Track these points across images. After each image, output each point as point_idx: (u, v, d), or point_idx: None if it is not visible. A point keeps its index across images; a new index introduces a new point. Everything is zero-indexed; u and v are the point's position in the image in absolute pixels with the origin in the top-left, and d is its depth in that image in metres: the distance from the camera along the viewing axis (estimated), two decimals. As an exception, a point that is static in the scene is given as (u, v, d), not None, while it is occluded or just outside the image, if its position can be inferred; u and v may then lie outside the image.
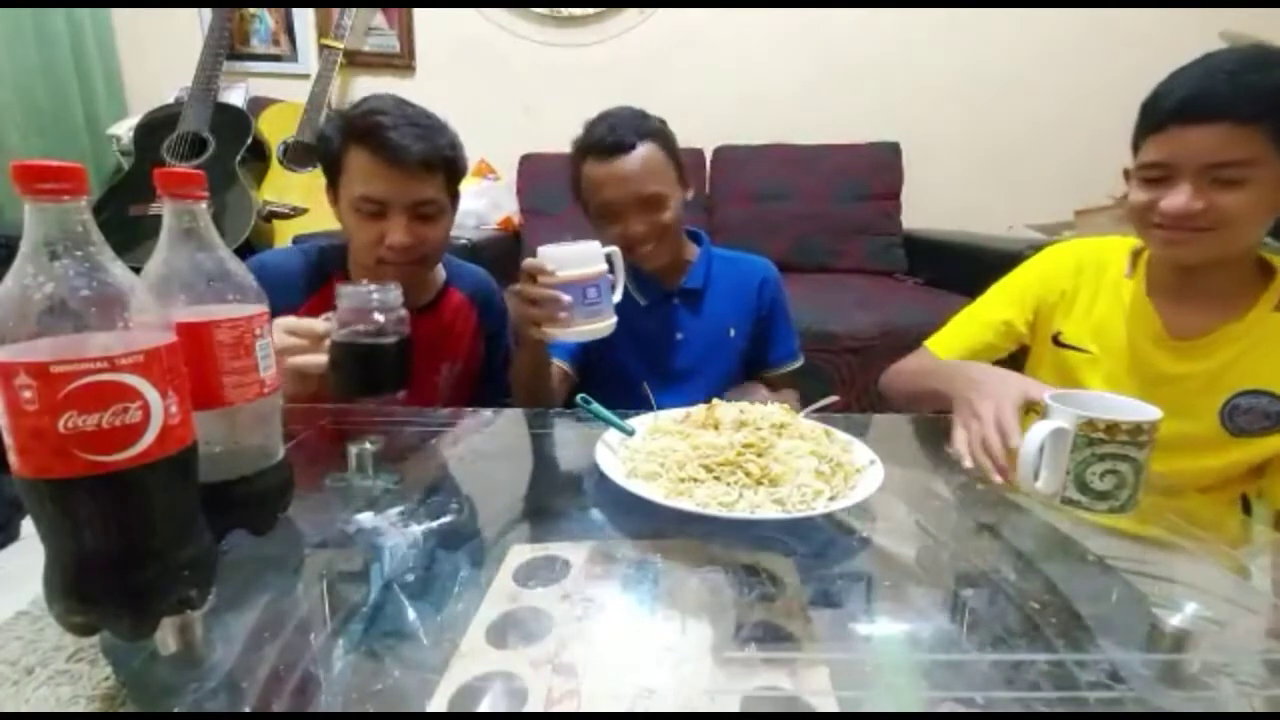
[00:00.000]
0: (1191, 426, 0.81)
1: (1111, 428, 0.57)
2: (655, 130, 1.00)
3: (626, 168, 0.96)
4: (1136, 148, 0.78)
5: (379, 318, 0.70)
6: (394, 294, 0.72)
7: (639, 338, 1.08)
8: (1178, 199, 0.72)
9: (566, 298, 0.76)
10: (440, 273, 1.07)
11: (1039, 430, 0.60)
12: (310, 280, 0.97)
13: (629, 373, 1.06)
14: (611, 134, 0.97)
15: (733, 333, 1.11)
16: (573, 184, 1.04)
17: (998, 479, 0.64)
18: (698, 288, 1.10)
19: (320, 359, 0.71)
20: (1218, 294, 0.79)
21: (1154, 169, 0.74)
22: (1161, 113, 0.73)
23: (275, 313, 0.83)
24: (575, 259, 0.78)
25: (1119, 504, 0.59)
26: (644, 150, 0.97)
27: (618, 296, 0.83)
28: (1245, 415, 0.78)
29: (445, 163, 0.90)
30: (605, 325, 0.80)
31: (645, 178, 0.97)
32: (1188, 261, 0.78)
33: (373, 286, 0.71)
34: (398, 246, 0.88)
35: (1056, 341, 0.92)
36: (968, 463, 0.67)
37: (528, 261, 0.79)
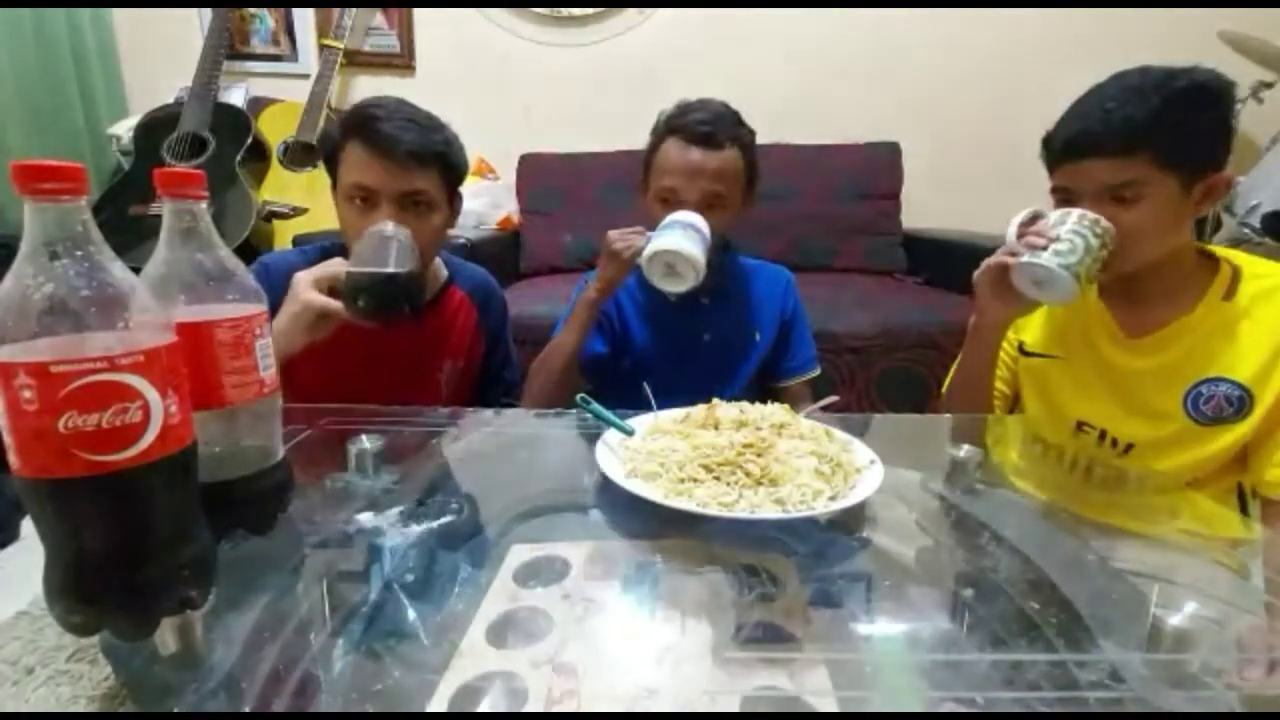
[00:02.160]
0: (1161, 421, 0.83)
1: (1081, 216, 0.76)
2: (746, 140, 1.00)
3: (707, 162, 0.96)
4: (1048, 172, 0.84)
5: (390, 253, 0.80)
6: (406, 233, 0.83)
7: (667, 336, 1.09)
8: None
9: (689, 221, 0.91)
10: (442, 271, 1.07)
11: (1028, 211, 0.82)
12: None
13: (654, 371, 1.06)
14: (706, 125, 0.96)
15: (758, 336, 1.11)
16: (646, 155, 1.04)
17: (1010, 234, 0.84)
18: (727, 288, 1.10)
19: (339, 267, 0.82)
20: (1165, 290, 0.82)
21: (1060, 193, 0.82)
22: (1053, 153, 0.81)
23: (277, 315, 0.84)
24: (694, 217, 0.92)
25: (1068, 264, 0.76)
26: (728, 153, 0.97)
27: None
28: (1208, 403, 0.80)
29: (437, 157, 0.91)
30: (700, 258, 0.88)
31: (717, 179, 0.97)
32: (1111, 276, 0.81)
33: (389, 226, 0.82)
34: None
35: (1023, 351, 0.95)
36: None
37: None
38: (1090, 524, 0.69)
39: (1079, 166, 0.77)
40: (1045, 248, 0.77)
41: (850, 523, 0.60)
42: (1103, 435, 0.87)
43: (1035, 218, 0.81)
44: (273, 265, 0.98)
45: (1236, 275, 0.80)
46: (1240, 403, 0.78)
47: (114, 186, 1.93)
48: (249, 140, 1.96)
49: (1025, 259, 0.79)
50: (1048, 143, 0.82)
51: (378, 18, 2.30)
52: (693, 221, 0.91)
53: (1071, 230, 0.76)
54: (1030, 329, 0.95)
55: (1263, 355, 0.77)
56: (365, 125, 0.87)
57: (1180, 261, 0.81)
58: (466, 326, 1.08)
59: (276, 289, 0.92)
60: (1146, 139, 0.73)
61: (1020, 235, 0.80)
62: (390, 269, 0.80)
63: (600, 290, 0.99)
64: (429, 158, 0.89)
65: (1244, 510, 0.85)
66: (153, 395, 0.36)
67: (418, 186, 0.89)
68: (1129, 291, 0.84)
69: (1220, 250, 0.83)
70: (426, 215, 0.92)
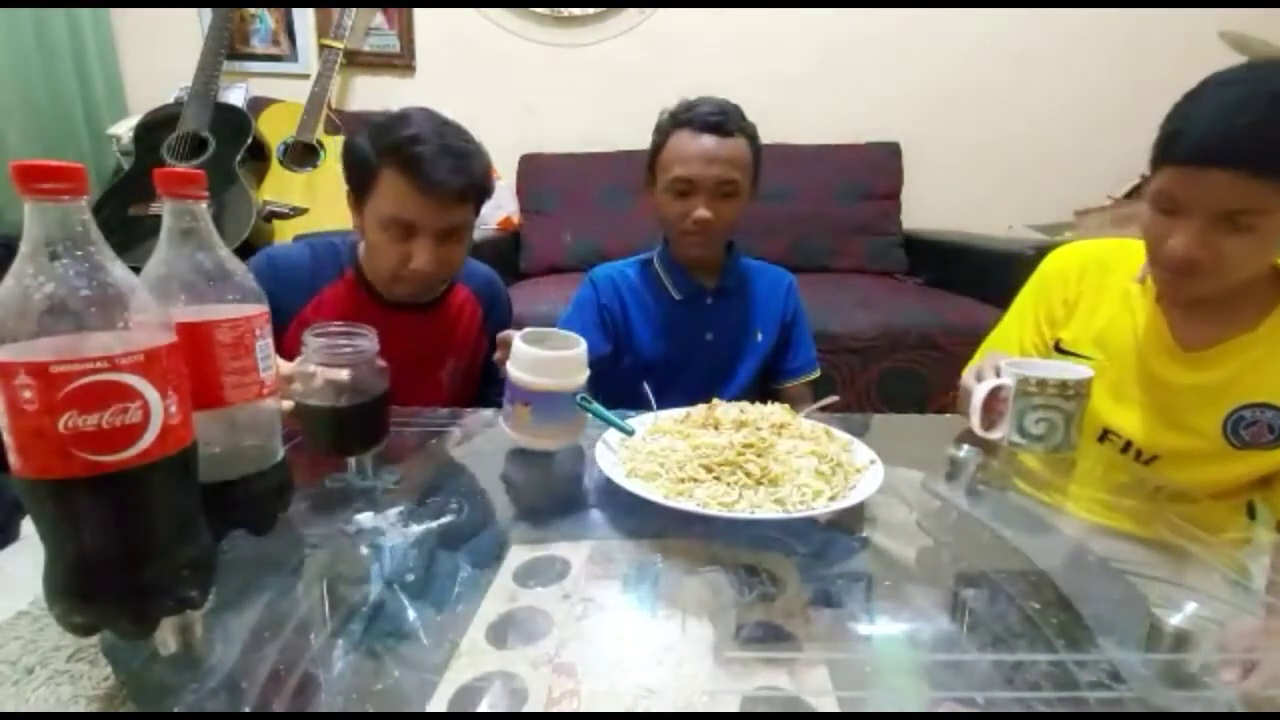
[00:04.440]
0: (1194, 438, 0.79)
1: (1042, 384, 0.70)
2: (751, 132, 1.02)
3: (720, 149, 0.97)
4: (1154, 166, 0.73)
5: (345, 375, 0.62)
6: (367, 342, 0.64)
7: (670, 333, 1.09)
8: (1183, 243, 0.69)
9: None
10: None
11: (981, 388, 0.72)
12: (318, 276, 0.98)
13: (655, 370, 1.06)
14: (716, 114, 0.98)
15: (760, 336, 1.11)
16: (651, 153, 1.05)
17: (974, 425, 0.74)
18: (731, 288, 1.11)
19: (284, 404, 0.62)
20: (1231, 304, 0.77)
21: (1166, 200, 0.71)
22: (1180, 150, 0.69)
23: (283, 307, 0.81)
24: (555, 368, 0.69)
25: (1052, 445, 0.71)
26: (739, 141, 0.99)
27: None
28: (1249, 428, 0.76)
29: (478, 191, 0.92)
30: (556, 439, 0.71)
31: (731, 166, 0.98)
32: (1186, 299, 0.77)
33: (343, 337, 0.63)
34: (422, 272, 0.89)
35: (1059, 348, 0.91)
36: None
37: (508, 336, 0.76)
38: (1090, 524, 0.69)
39: (1203, 175, 0.67)
40: (1021, 435, 0.72)
41: (850, 523, 0.60)
42: (1127, 446, 0.84)
43: (996, 392, 0.72)
44: (279, 259, 0.97)
45: None
46: None
47: (114, 186, 1.92)
48: (249, 140, 1.96)
49: (1006, 442, 0.73)
50: (1172, 137, 0.70)
51: (378, 18, 2.30)
52: (554, 390, 0.69)
53: (1040, 410, 0.70)
54: (1071, 326, 0.90)
55: None
56: (410, 159, 0.85)
57: (1255, 277, 0.75)
58: (471, 325, 1.08)
59: (283, 284, 0.91)
60: None
61: (985, 414, 0.73)
62: (346, 405, 0.62)
63: None
64: (471, 194, 0.91)
65: (1250, 515, 0.84)
66: (153, 395, 0.36)
67: (457, 222, 0.91)
68: (1193, 303, 0.79)
69: None
70: (459, 243, 0.94)
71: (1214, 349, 0.78)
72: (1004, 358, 0.78)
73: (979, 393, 0.73)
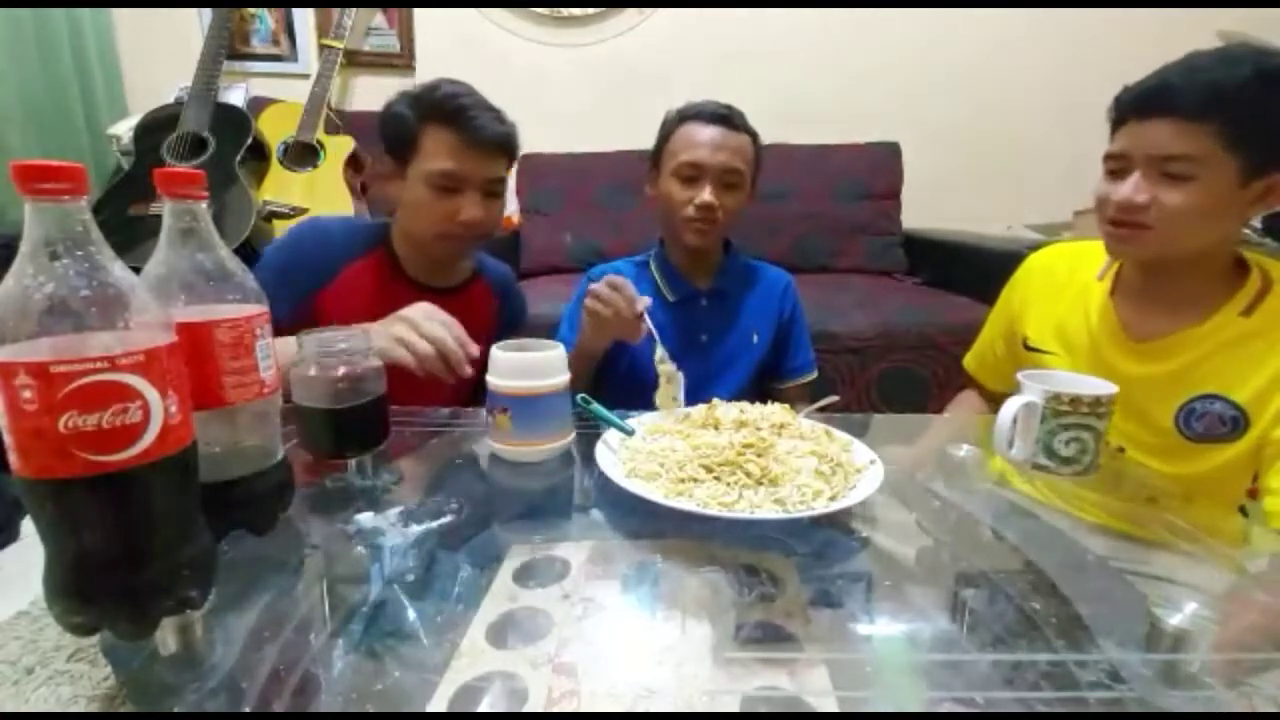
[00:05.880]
0: (1152, 431, 0.80)
1: (1075, 400, 0.65)
2: (754, 132, 1.06)
3: (728, 139, 1.02)
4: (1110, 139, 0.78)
5: (340, 371, 0.62)
6: (360, 342, 0.63)
7: (664, 336, 1.09)
8: (1123, 189, 0.73)
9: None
10: (468, 261, 1.10)
11: (1012, 404, 0.67)
12: (351, 248, 1.01)
13: (651, 371, 1.06)
14: (724, 110, 1.03)
15: (755, 338, 1.11)
16: (657, 146, 1.08)
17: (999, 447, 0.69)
18: (726, 289, 1.11)
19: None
20: (1183, 296, 0.78)
21: (1113, 160, 0.76)
22: (1123, 107, 0.74)
23: (318, 272, 0.90)
24: (529, 369, 0.67)
25: (1082, 468, 0.67)
26: (744, 137, 1.04)
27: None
28: (1200, 420, 0.76)
29: (513, 147, 0.98)
30: (539, 448, 0.68)
31: (738, 155, 1.02)
32: (1134, 258, 0.78)
33: (340, 336, 0.63)
34: (472, 222, 0.93)
35: (1025, 346, 0.94)
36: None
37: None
38: (1090, 524, 0.69)
39: (1144, 127, 0.71)
40: (1049, 458, 0.67)
41: (850, 523, 0.60)
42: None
43: (1028, 409, 0.67)
44: (322, 225, 1.03)
45: (1265, 290, 0.75)
46: (1235, 423, 0.75)
47: (114, 186, 1.92)
48: (249, 140, 1.96)
49: (1030, 465, 0.69)
50: (1119, 99, 0.75)
51: (378, 18, 2.30)
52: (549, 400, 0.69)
53: (1072, 430, 0.66)
54: (1033, 324, 0.92)
55: (1265, 376, 0.73)
56: (458, 114, 0.91)
57: (1209, 266, 0.76)
58: (486, 316, 1.11)
59: (321, 249, 0.98)
60: (1222, 106, 0.67)
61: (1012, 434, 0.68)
62: (341, 407, 0.62)
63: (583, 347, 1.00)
64: (508, 147, 0.96)
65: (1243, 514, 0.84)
66: (153, 395, 0.36)
67: (499, 174, 0.96)
68: (1144, 292, 0.80)
69: (1258, 259, 0.78)
70: (499, 199, 0.99)
71: (1162, 341, 0.79)
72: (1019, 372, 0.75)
73: (1007, 413, 0.67)
